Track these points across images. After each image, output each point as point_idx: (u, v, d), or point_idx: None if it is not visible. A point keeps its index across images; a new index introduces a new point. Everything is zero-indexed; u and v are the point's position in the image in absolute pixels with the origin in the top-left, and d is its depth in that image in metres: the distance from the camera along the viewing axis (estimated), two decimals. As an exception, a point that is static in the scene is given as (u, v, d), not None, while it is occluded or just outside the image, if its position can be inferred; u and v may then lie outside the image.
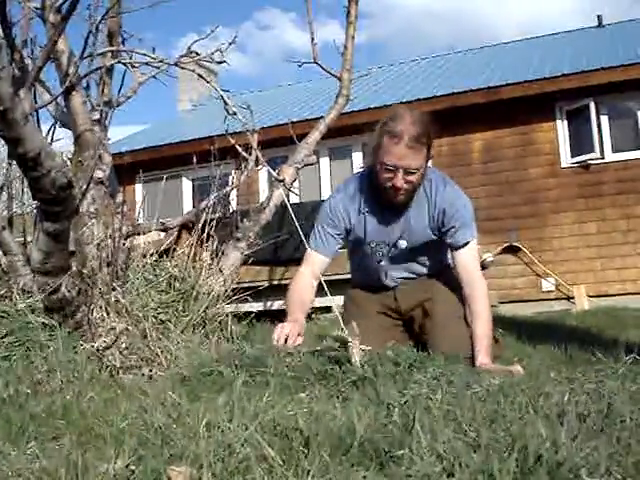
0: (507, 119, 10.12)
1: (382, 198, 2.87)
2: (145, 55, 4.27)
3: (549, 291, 9.64)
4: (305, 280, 2.95)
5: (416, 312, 3.03)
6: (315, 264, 2.97)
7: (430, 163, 2.87)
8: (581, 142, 9.76)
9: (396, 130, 2.69)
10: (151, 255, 3.57)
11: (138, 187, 11.61)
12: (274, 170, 4.63)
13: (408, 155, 2.69)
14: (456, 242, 2.87)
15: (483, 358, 2.64)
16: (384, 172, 2.75)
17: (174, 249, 3.73)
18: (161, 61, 4.24)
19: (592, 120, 9.65)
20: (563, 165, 9.88)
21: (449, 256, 3.04)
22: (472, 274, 2.86)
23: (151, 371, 2.93)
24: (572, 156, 9.83)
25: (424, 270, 3.06)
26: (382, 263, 3.03)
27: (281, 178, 4.58)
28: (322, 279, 2.87)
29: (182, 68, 4.55)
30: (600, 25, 14.19)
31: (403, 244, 2.97)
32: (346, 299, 3.28)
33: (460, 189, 2.96)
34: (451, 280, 2.96)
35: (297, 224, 3.18)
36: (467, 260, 2.87)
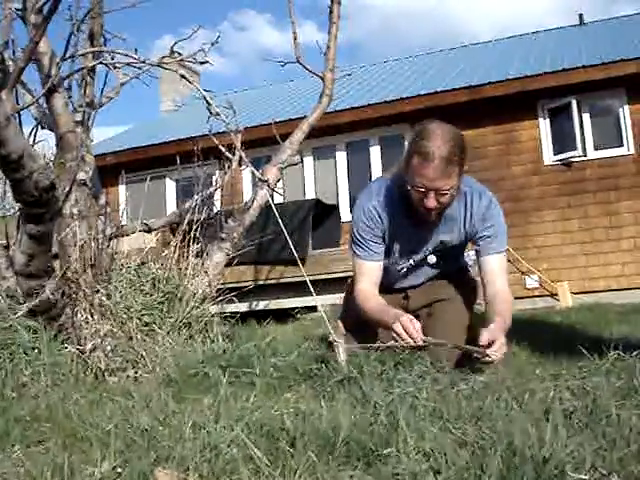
0: (489, 117, 10.16)
1: (413, 211, 2.78)
2: (127, 56, 4.24)
3: (533, 288, 9.70)
4: (369, 294, 2.83)
5: (422, 312, 2.99)
6: (370, 272, 2.87)
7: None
8: (563, 140, 9.83)
9: (427, 150, 2.56)
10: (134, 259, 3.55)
11: (121, 188, 11.58)
12: (258, 170, 4.61)
13: (440, 177, 2.58)
14: (486, 251, 2.81)
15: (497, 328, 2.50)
16: (415, 193, 2.66)
17: (158, 250, 3.72)
18: (143, 62, 4.21)
19: (574, 118, 9.71)
20: (546, 163, 9.94)
21: (467, 258, 3.02)
22: (499, 289, 2.75)
23: (136, 373, 2.92)
24: (554, 154, 9.90)
25: (443, 273, 3.02)
26: (404, 271, 3.00)
27: (265, 178, 4.56)
28: (307, 279, 2.83)
29: (165, 69, 4.53)
30: (581, 23, 14.29)
31: (432, 259, 2.94)
32: (349, 291, 3.15)
33: (495, 199, 2.86)
34: (464, 284, 2.96)
35: (282, 224, 3.18)
36: (495, 272, 2.79)
